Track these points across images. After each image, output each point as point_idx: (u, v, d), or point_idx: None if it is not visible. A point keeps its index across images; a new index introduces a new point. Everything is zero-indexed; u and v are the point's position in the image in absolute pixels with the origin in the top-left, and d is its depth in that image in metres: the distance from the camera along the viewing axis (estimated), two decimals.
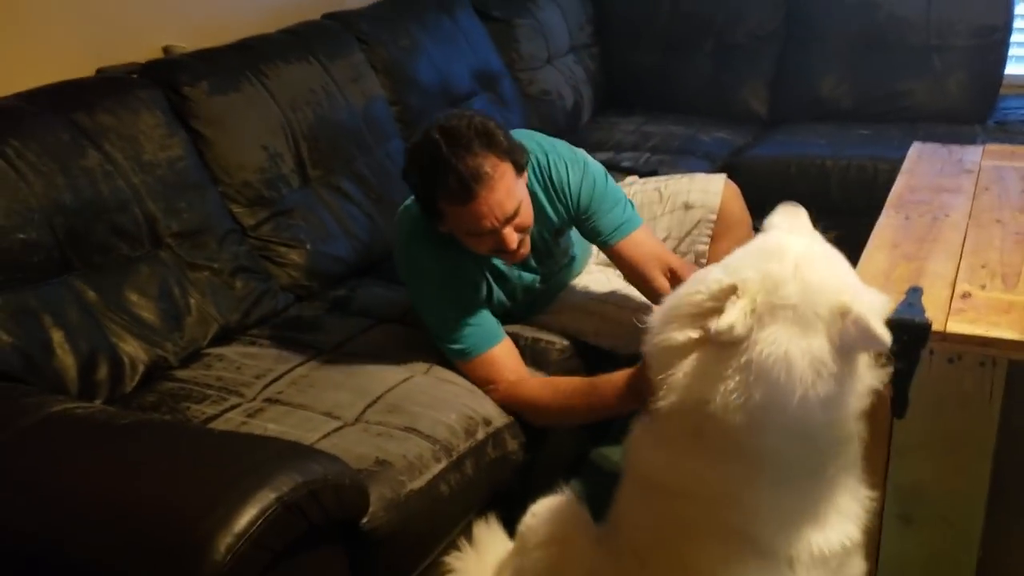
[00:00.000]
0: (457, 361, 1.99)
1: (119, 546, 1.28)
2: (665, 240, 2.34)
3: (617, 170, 3.19)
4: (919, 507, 1.54)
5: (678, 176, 2.47)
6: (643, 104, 4.07)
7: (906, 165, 2.24)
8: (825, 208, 2.26)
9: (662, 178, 2.48)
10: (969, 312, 1.48)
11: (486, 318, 2.01)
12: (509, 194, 1.81)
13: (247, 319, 2.25)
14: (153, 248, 2.13)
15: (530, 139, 2.05)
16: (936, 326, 1.44)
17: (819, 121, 3.71)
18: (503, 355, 1.99)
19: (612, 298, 2.27)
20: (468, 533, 1.83)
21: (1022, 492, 1.47)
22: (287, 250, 2.41)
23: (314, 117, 2.54)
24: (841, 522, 1.40)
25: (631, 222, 2.08)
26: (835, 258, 1.37)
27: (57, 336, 1.85)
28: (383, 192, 2.68)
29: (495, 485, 1.88)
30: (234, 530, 1.23)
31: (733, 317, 1.25)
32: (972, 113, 3.59)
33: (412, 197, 2.01)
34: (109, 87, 2.18)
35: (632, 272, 2.10)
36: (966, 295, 1.54)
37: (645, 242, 2.09)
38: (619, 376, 1.77)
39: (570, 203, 2.04)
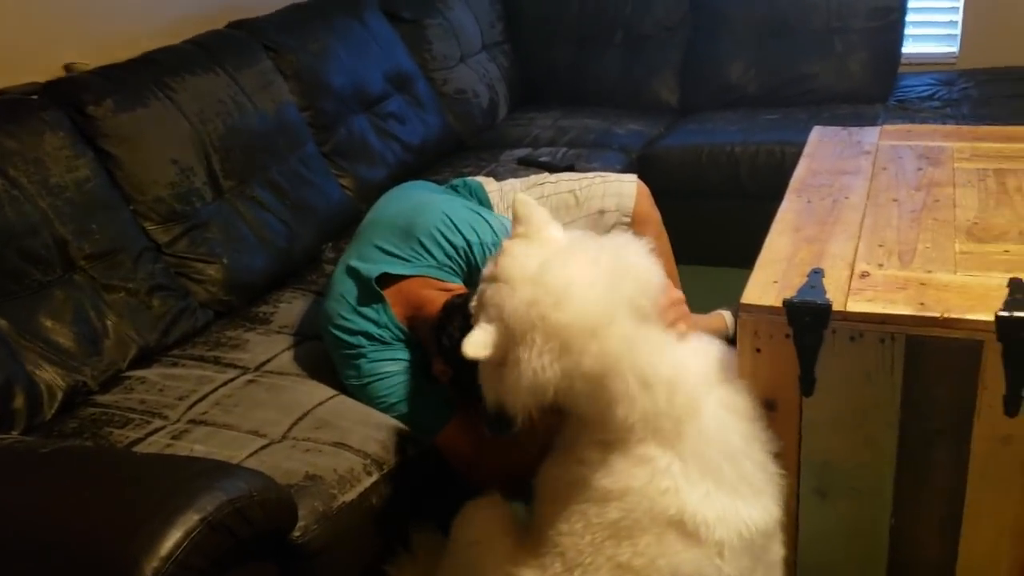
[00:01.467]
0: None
1: None
2: None
3: (535, 165, 3.24)
4: (832, 481, 1.60)
5: (591, 177, 2.52)
6: (559, 99, 4.13)
7: (807, 149, 2.31)
8: (736, 194, 2.35)
9: (575, 178, 2.52)
10: (867, 291, 1.54)
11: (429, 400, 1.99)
12: None
13: (167, 338, 2.23)
14: (66, 272, 2.10)
15: (466, 222, 2.06)
16: (836, 306, 1.50)
17: (729, 108, 3.81)
18: (452, 438, 1.96)
19: None
20: (405, 541, 1.86)
21: (926, 460, 1.53)
22: (204, 265, 2.39)
23: (224, 128, 2.52)
24: (757, 496, 1.47)
25: None
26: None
27: None
28: (299, 198, 2.68)
29: (426, 499, 1.90)
30: (160, 554, 1.23)
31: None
32: (874, 93, 3.72)
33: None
34: (9, 110, 2.14)
35: None
36: (864, 274, 1.60)
37: None
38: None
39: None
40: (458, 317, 1.72)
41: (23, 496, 1.38)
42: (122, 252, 2.21)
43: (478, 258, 2.02)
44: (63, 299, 2.05)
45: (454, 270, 2.03)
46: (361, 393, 1.98)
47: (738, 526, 1.46)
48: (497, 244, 2.02)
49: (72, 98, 2.26)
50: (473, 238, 2.03)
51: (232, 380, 2.05)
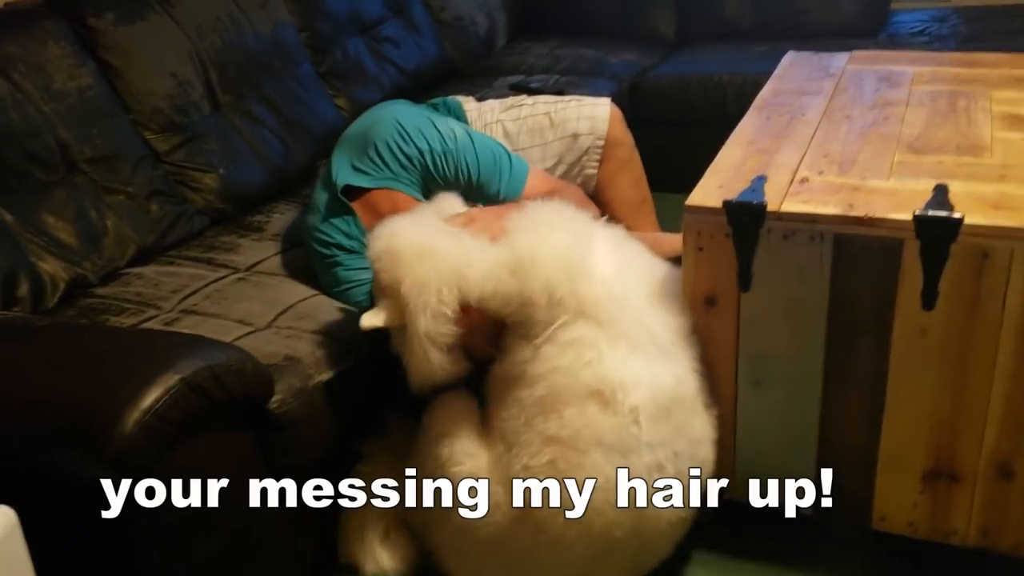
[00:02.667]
0: None
1: (39, 428, 1.41)
2: (556, 165, 2.51)
3: (526, 90, 3.32)
4: (767, 371, 1.73)
5: (566, 99, 2.61)
6: (557, 29, 4.20)
7: (777, 72, 2.41)
8: (722, 121, 2.44)
9: (552, 99, 2.61)
10: (803, 194, 1.66)
11: None
12: None
13: (164, 240, 2.36)
14: (68, 173, 2.22)
15: (416, 128, 2.15)
16: (772, 207, 1.62)
17: (722, 40, 3.88)
18: None
19: None
20: (380, 425, 2.00)
21: (852, 352, 1.66)
22: (200, 175, 2.51)
23: (221, 44, 2.62)
24: (670, 361, 1.66)
25: (513, 191, 2.18)
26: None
27: None
28: (293, 116, 2.79)
29: (399, 387, 2.02)
30: (141, 406, 1.37)
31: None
32: (865, 28, 3.78)
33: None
34: (14, 18, 2.24)
35: None
36: (804, 180, 1.72)
37: (532, 190, 2.19)
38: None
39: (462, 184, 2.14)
40: None
41: (17, 359, 1.53)
42: (121, 158, 2.33)
43: (431, 166, 2.11)
44: (65, 198, 2.18)
45: (411, 180, 2.12)
46: (341, 299, 2.10)
47: (652, 390, 1.61)
48: (447, 152, 2.12)
49: (74, 10, 2.36)
50: (424, 146, 2.11)
51: (223, 278, 2.18)
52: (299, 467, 1.75)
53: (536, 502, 1.63)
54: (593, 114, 2.52)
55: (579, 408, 1.62)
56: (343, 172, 2.13)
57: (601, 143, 2.51)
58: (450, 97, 2.58)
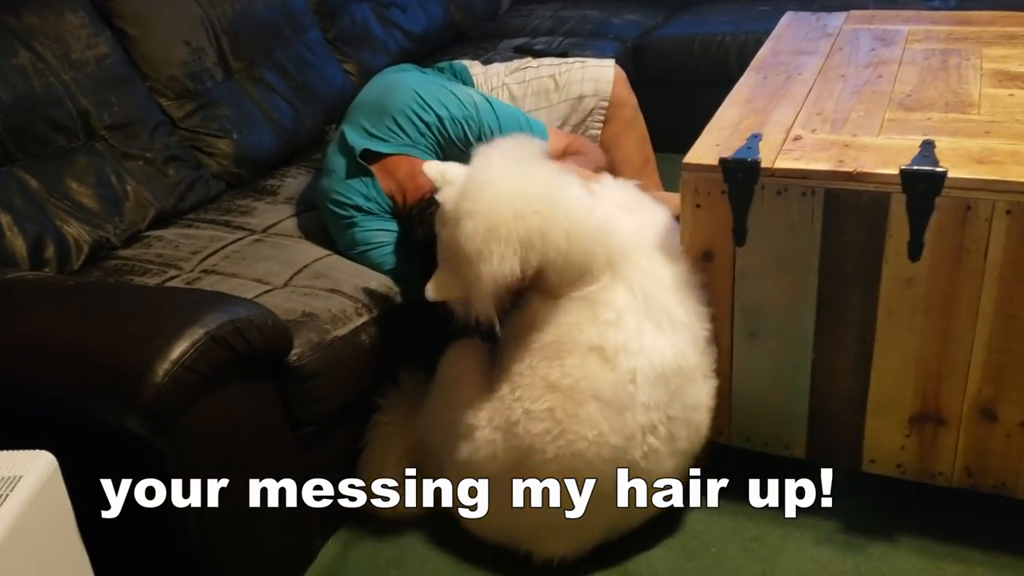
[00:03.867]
0: None
1: (74, 381, 1.50)
2: (562, 127, 2.58)
3: (530, 53, 3.38)
4: (761, 322, 1.81)
5: (570, 61, 2.67)
6: None
7: (775, 32, 2.46)
8: (725, 81, 2.50)
9: (556, 62, 2.68)
10: (796, 151, 1.73)
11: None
12: None
13: (182, 204, 2.45)
14: (88, 140, 2.30)
15: (435, 96, 2.21)
16: (766, 164, 1.69)
17: (725, 0, 3.91)
18: None
19: None
20: (394, 378, 2.09)
21: (842, 302, 1.73)
22: (215, 140, 2.59)
23: (232, 12, 2.69)
24: (677, 334, 1.72)
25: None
26: None
27: (6, 220, 2.04)
28: (303, 81, 2.86)
29: (412, 342, 2.12)
30: (170, 357, 1.46)
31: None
32: None
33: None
34: None
35: None
36: (797, 138, 1.78)
37: (554, 149, 2.26)
38: None
39: None
40: (424, 217, 1.94)
41: (51, 315, 1.62)
42: (139, 124, 2.40)
43: (450, 132, 2.18)
44: (86, 164, 2.26)
45: (429, 147, 2.19)
46: (358, 260, 2.18)
47: (652, 357, 1.70)
48: (468, 117, 2.19)
49: None
50: (444, 113, 2.19)
51: (240, 239, 2.27)
52: (318, 416, 1.85)
53: (534, 446, 1.73)
54: (597, 76, 2.58)
55: (580, 359, 1.71)
56: (359, 138, 2.20)
57: (605, 104, 2.57)
58: (456, 61, 2.64)
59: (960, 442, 1.76)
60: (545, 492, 1.74)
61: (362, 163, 2.17)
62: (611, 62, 2.64)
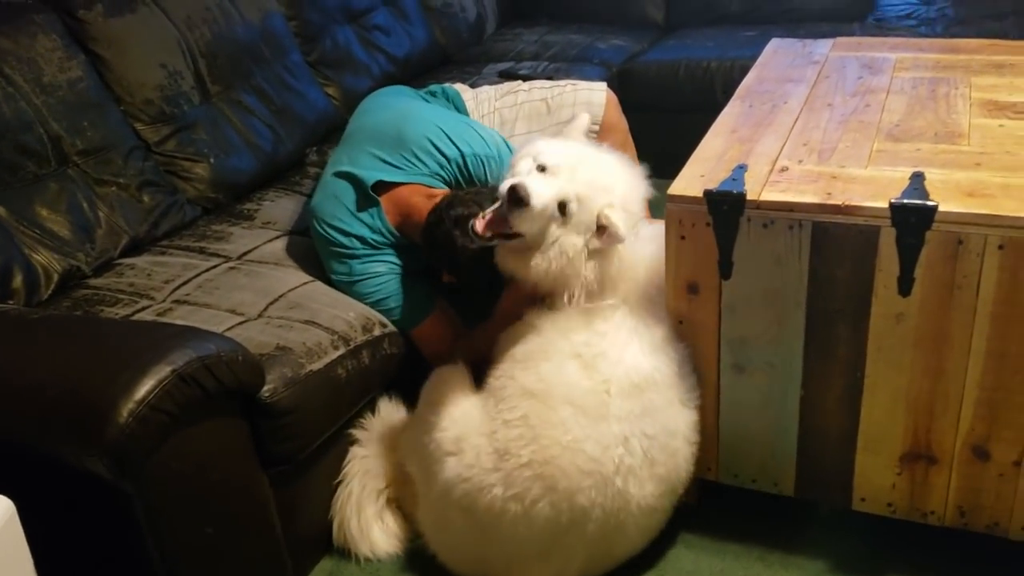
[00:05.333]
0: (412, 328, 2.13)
1: (36, 418, 1.44)
2: None
3: (515, 77, 3.34)
4: (748, 356, 1.77)
5: (562, 84, 2.63)
6: (547, 15, 4.23)
7: (761, 59, 2.43)
8: (711, 108, 2.47)
9: (547, 86, 2.64)
10: (782, 183, 1.69)
11: (412, 293, 2.14)
12: None
13: (156, 231, 2.39)
14: (60, 166, 2.24)
15: (459, 134, 2.19)
16: (751, 196, 1.65)
17: (711, 25, 3.91)
18: (442, 322, 2.15)
19: None
20: (371, 410, 2.04)
21: (830, 337, 1.69)
22: (191, 164, 2.53)
23: (211, 34, 2.64)
24: (655, 354, 1.74)
25: None
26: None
27: None
28: (284, 104, 2.81)
29: (391, 375, 2.07)
30: (134, 397, 1.41)
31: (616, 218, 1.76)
32: (854, 12, 3.81)
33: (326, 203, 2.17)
34: (4, 12, 2.26)
35: None
36: (784, 169, 1.75)
37: None
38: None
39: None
40: (449, 219, 1.91)
41: (12, 351, 1.56)
42: (113, 149, 2.35)
43: (472, 169, 2.15)
44: (57, 191, 2.20)
45: (444, 178, 2.15)
46: (348, 289, 2.12)
47: (627, 368, 1.71)
48: (490, 156, 2.16)
49: (64, 3, 2.37)
50: (467, 149, 2.15)
51: (215, 267, 2.21)
52: (292, 453, 1.79)
53: (507, 452, 1.71)
54: (590, 99, 2.55)
55: (558, 365, 1.72)
56: (370, 166, 2.15)
57: (597, 128, 2.54)
58: (447, 85, 2.60)
59: (952, 481, 1.71)
60: (520, 498, 1.70)
61: (372, 194, 2.12)
62: (603, 85, 2.60)
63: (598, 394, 1.69)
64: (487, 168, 2.16)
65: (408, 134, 2.17)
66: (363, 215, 2.13)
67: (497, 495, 1.71)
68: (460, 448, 1.77)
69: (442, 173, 2.16)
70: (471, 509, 1.75)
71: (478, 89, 2.68)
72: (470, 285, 2.07)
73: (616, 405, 1.69)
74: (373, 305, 2.10)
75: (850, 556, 1.84)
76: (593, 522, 1.71)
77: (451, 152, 2.15)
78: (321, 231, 2.16)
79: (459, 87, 2.66)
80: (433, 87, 2.62)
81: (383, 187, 2.14)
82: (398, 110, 2.31)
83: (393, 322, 2.09)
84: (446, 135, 2.17)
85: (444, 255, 1.96)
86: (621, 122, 2.62)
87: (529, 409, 1.71)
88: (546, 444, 1.68)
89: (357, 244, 2.12)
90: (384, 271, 2.12)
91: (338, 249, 2.13)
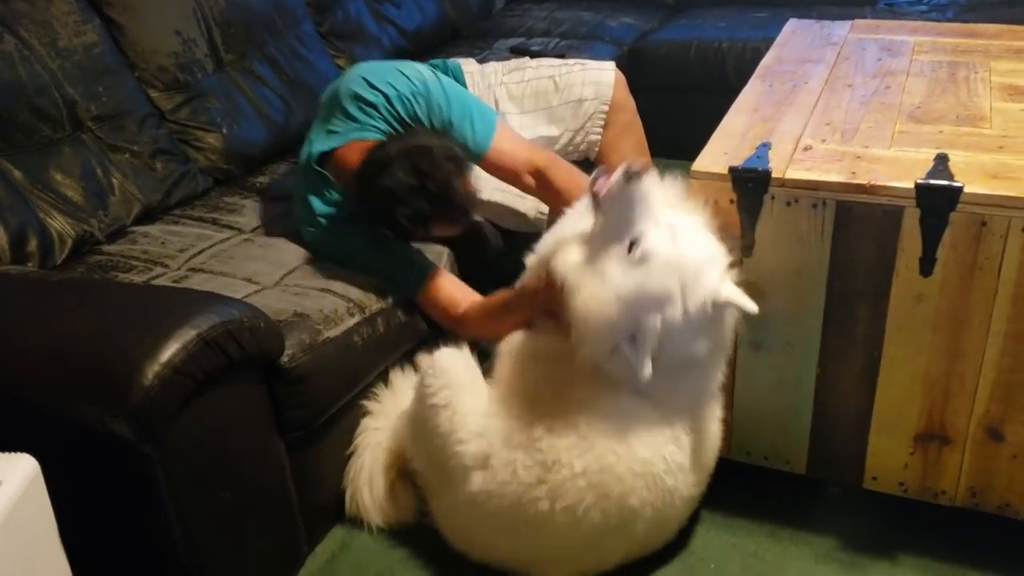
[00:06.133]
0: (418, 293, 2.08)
1: (60, 380, 1.44)
2: (563, 132, 2.52)
3: (527, 53, 3.33)
4: (766, 335, 1.77)
5: (570, 63, 2.62)
6: None
7: (779, 39, 2.43)
8: (722, 89, 2.48)
9: (556, 63, 2.63)
10: (806, 162, 1.69)
11: (407, 255, 2.11)
12: None
13: (168, 199, 2.38)
14: (74, 131, 2.23)
15: (381, 77, 2.14)
16: (776, 174, 1.65)
17: (721, 5, 3.89)
18: (446, 282, 2.09)
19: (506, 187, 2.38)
20: (384, 381, 2.04)
21: (849, 316, 1.70)
22: (204, 134, 2.53)
23: (225, 3, 2.63)
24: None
25: (484, 135, 2.15)
26: (703, 248, 1.59)
27: None
28: (295, 75, 2.80)
29: (405, 344, 2.07)
30: (160, 360, 1.40)
31: (647, 371, 1.56)
32: None
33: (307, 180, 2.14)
34: None
35: (502, 178, 2.23)
36: (807, 148, 1.75)
37: (504, 150, 2.17)
38: (529, 291, 1.92)
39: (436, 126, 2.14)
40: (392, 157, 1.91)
41: (35, 313, 1.55)
42: (127, 116, 2.34)
43: (399, 110, 2.11)
44: (71, 155, 2.19)
45: (378, 127, 2.10)
46: (348, 268, 2.10)
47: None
48: (416, 92, 2.11)
49: None
50: (390, 91, 2.11)
51: (228, 239, 2.21)
52: (308, 419, 1.79)
53: (557, 463, 1.64)
54: (598, 79, 2.53)
55: (602, 378, 1.65)
56: (314, 140, 2.14)
57: (606, 108, 2.53)
58: (450, 59, 2.59)
59: (965, 462, 1.73)
60: (571, 509, 1.65)
61: (319, 169, 2.10)
62: (611, 65, 2.59)
63: (647, 401, 1.64)
64: (415, 106, 2.12)
65: (339, 94, 2.15)
66: (315, 198, 2.12)
67: (544, 508, 1.65)
68: (488, 464, 1.70)
69: (372, 121, 2.11)
70: (509, 521, 1.70)
71: (485, 64, 2.67)
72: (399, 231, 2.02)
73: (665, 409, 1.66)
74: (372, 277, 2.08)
75: (860, 534, 1.85)
76: (641, 521, 1.68)
77: (376, 98, 2.11)
78: (303, 232, 2.16)
79: (463, 61, 2.63)
80: (435, 61, 2.60)
81: (327, 158, 2.12)
82: (339, 78, 2.27)
83: (397, 288, 2.07)
84: (367, 83, 2.13)
85: (380, 201, 1.94)
86: (629, 101, 2.61)
87: (579, 419, 1.64)
88: (601, 452, 1.63)
89: (324, 223, 2.11)
90: (363, 245, 2.09)
91: (319, 242, 2.12)
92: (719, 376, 1.72)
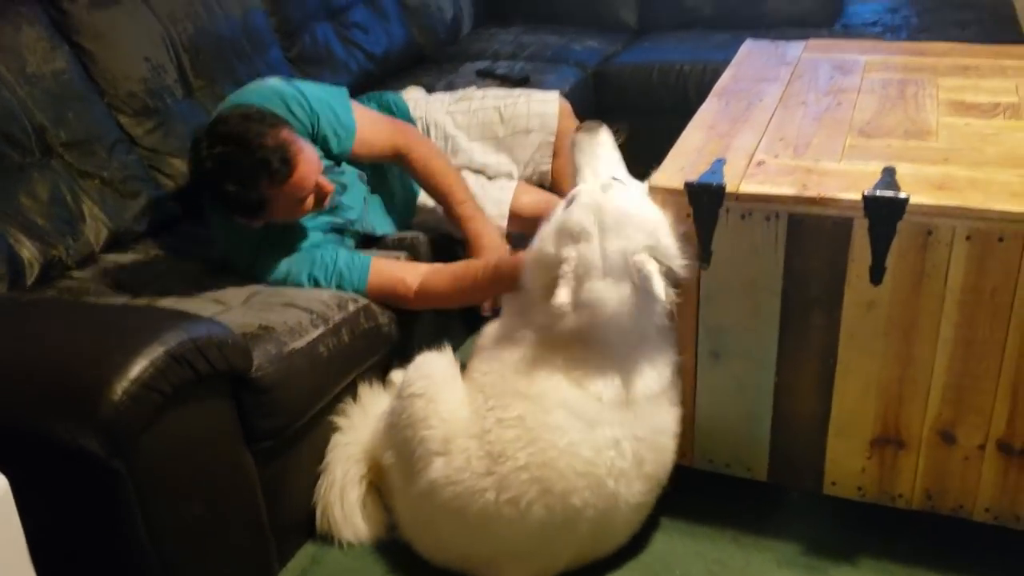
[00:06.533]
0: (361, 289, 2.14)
1: (30, 397, 1.46)
2: (512, 169, 2.62)
3: (492, 77, 3.40)
4: (725, 344, 1.82)
5: (515, 93, 2.71)
6: (522, 15, 4.28)
7: (735, 59, 2.50)
8: (684, 108, 2.54)
9: (501, 94, 2.72)
10: (759, 176, 1.74)
11: (347, 254, 2.18)
12: (308, 146, 2.04)
13: (137, 226, 2.40)
14: (44, 156, 2.25)
15: (262, 95, 2.17)
16: (730, 188, 1.70)
17: (683, 29, 3.98)
18: (386, 266, 2.17)
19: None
20: (353, 396, 2.07)
21: (804, 324, 1.75)
22: (174, 159, 2.54)
23: (193, 29, 2.66)
24: (649, 371, 1.75)
25: (348, 120, 2.24)
26: (632, 206, 1.74)
27: None
28: None
29: (370, 352, 2.10)
30: (128, 375, 1.43)
31: (562, 297, 1.70)
32: (822, 18, 3.90)
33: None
34: None
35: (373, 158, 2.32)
36: (761, 163, 1.80)
37: (368, 139, 2.27)
38: (488, 262, 2.10)
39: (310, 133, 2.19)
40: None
41: (6, 330, 1.58)
42: (97, 142, 2.36)
43: None
44: (41, 181, 2.20)
45: None
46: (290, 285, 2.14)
47: (621, 392, 1.74)
48: (276, 106, 2.11)
49: None
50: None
51: (197, 264, 2.24)
52: (276, 429, 1.82)
53: (505, 453, 1.71)
54: (543, 111, 2.62)
55: (549, 371, 1.73)
56: None
57: (552, 139, 2.62)
58: (388, 92, 2.67)
59: (920, 465, 1.78)
60: (515, 502, 1.71)
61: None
62: (555, 95, 2.68)
63: (590, 400, 1.71)
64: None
65: None
66: (221, 231, 2.18)
67: (490, 499, 1.71)
68: (448, 449, 1.76)
69: None
70: (460, 512, 1.76)
71: (432, 94, 2.78)
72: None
73: (608, 411, 1.72)
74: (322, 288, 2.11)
75: (821, 538, 1.90)
76: (585, 521, 1.73)
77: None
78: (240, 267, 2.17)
79: (410, 88, 2.77)
80: (371, 94, 2.68)
81: None
82: None
83: (348, 290, 2.11)
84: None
85: (213, 185, 1.97)
86: (572, 126, 2.68)
87: (524, 410, 1.71)
88: (543, 447, 1.69)
89: (249, 253, 2.14)
90: (293, 264, 2.13)
91: (257, 275, 2.14)
92: (667, 376, 1.80)
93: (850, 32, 3.70)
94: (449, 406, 1.81)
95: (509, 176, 2.63)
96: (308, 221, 2.19)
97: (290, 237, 2.16)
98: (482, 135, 2.63)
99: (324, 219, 2.23)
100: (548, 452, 1.69)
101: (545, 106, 2.63)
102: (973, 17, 3.65)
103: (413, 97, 2.66)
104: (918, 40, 3.47)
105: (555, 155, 2.62)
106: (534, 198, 2.52)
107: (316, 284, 2.11)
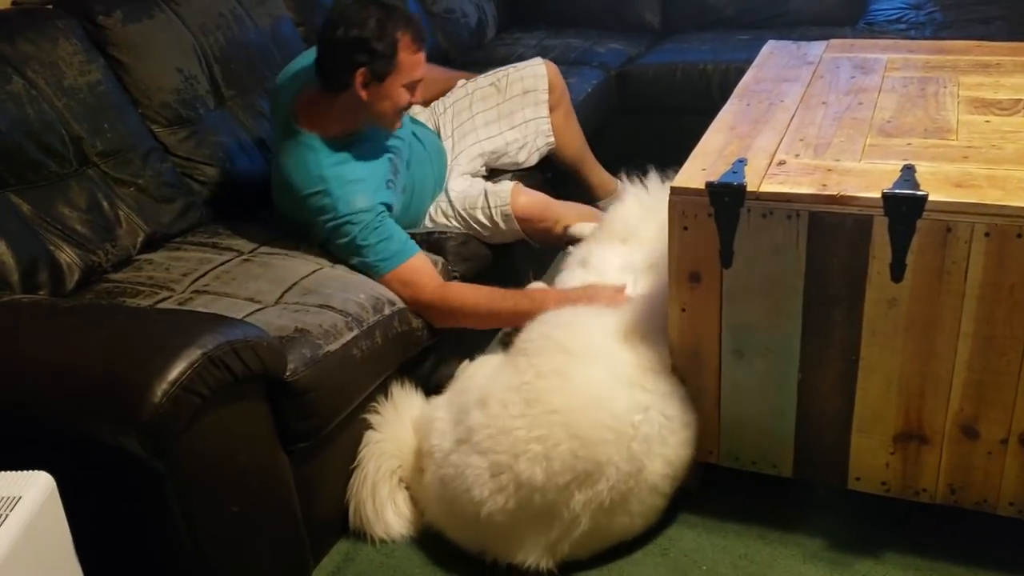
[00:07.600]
0: (382, 272, 2.23)
1: (74, 400, 1.51)
2: (514, 128, 2.84)
3: None
4: (748, 342, 1.84)
5: (504, 69, 2.91)
6: (546, 20, 4.32)
7: (757, 60, 2.52)
8: (708, 108, 2.57)
9: (488, 74, 2.92)
10: (780, 176, 1.77)
11: (400, 232, 2.29)
12: None
13: (172, 229, 2.46)
14: (81, 166, 2.32)
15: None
16: (751, 188, 1.73)
17: (705, 30, 4.00)
18: (423, 263, 2.27)
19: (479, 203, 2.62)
20: (384, 394, 2.12)
21: (827, 321, 1.77)
22: (207, 167, 2.61)
23: (224, 40, 2.72)
24: None
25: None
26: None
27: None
28: None
29: (402, 356, 2.15)
30: (168, 378, 1.48)
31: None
32: (845, 17, 3.91)
33: (287, 124, 2.34)
34: (27, 18, 2.34)
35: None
36: (781, 163, 1.83)
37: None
38: (555, 294, 2.26)
39: None
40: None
41: (49, 336, 1.63)
42: (132, 151, 2.42)
43: None
44: (78, 190, 2.27)
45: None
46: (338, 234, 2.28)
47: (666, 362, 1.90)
48: None
49: (84, 9, 2.45)
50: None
51: (229, 260, 2.29)
52: (311, 431, 1.87)
53: (540, 399, 1.83)
54: (534, 72, 2.87)
55: (598, 329, 1.95)
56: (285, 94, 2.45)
57: (546, 94, 2.84)
58: None
59: (943, 460, 1.79)
60: (543, 452, 1.79)
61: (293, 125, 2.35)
62: (540, 60, 2.91)
63: (632, 364, 1.86)
64: None
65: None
66: (313, 149, 2.30)
67: (520, 436, 1.80)
68: (486, 403, 1.89)
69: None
70: (490, 452, 1.83)
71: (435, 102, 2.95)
72: None
73: (646, 379, 1.85)
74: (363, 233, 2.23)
75: (846, 533, 1.92)
76: (605, 480, 1.78)
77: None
78: (303, 204, 2.31)
79: None
80: None
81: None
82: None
83: (386, 256, 2.23)
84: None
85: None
86: (561, 82, 2.93)
87: (564, 363, 1.85)
88: (576, 395, 1.82)
89: (328, 180, 2.27)
90: (364, 202, 2.25)
91: (328, 197, 2.26)
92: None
93: (874, 30, 3.71)
94: (486, 373, 2.01)
95: (514, 163, 2.84)
96: (375, 154, 2.35)
97: (359, 167, 2.30)
98: (484, 106, 2.83)
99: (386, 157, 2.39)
100: (579, 399, 1.81)
101: (533, 68, 2.87)
102: (997, 13, 3.65)
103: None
104: (942, 36, 3.49)
105: (552, 111, 2.85)
106: (530, 199, 2.61)
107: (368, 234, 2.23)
